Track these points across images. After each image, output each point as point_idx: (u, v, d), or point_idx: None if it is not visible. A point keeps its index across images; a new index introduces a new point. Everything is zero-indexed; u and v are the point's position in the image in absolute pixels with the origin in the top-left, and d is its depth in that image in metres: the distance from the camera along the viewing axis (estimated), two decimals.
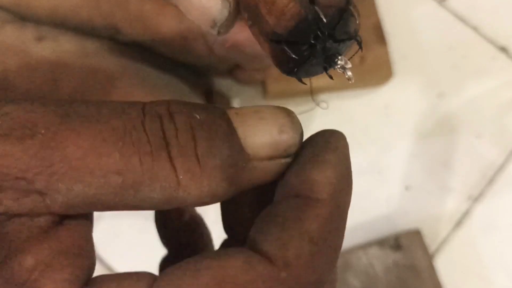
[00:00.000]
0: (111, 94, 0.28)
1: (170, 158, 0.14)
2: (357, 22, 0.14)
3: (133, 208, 0.14)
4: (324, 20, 0.13)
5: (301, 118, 0.17)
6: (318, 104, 0.15)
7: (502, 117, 0.38)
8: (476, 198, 0.37)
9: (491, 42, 0.40)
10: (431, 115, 0.38)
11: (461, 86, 0.39)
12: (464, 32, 0.40)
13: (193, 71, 0.35)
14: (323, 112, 0.38)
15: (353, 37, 0.14)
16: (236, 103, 0.38)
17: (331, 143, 0.16)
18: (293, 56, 0.14)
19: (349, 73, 0.14)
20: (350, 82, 0.15)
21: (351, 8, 0.13)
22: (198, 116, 0.14)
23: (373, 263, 0.33)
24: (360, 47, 0.15)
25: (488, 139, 0.38)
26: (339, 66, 0.14)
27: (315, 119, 0.38)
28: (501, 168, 0.37)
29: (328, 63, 0.15)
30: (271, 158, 0.15)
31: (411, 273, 0.33)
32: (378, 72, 0.37)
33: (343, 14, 0.14)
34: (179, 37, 0.29)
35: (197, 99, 0.33)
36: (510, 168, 0.37)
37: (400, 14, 0.40)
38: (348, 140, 0.41)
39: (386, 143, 0.38)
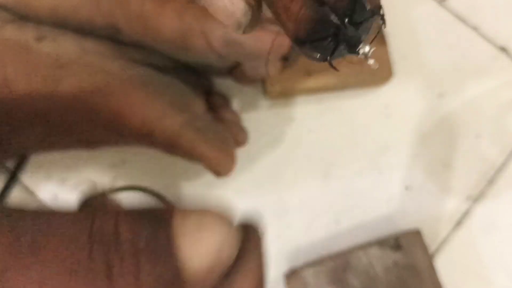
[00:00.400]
0: (111, 95, 0.28)
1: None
2: None
3: None
4: (335, 21, 0.14)
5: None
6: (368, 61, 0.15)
7: (502, 117, 0.38)
8: (476, 198, 0.37)
9: (491, 42, 0.40)
10: (431, 115, 0.38)
11: (461, 86, 0.39)
12: (464, 32, 0.40)
13: (193, 71, 0.35)
14: (323, 112, 0.38)
15: (374, 14, 0.15)
16: (236, 103, 0.38)
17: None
18: (315, 56, 0.15)
19: (371, 61, 0.15)
20: (375, 67, 0.16)
21: None
22: (143, 240, 0.15)
23: (373, 263, 0.33)
24: (384, 22, 0.15)
25: (488, 139, 0.38)
26: (361, 53, 0.15)
27: (315, 119, 0.38)
28: (501, 168, 0.37)
29: (351, 51, 0.15)
30: (209, 272, 0.16)
31: (411, 273, 0.33)
32: (378, 72, 0.37)
33: (355, 1, 0.14)
34: (179, 36, 0.29)
35: (197, 99, 0.33)
36: (510, 168, 0.37)
37: (400, 14, 0.40)
38: (348, 140, 0.41)
39: (386, 143, 0.38)
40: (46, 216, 0.15)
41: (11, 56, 0.27)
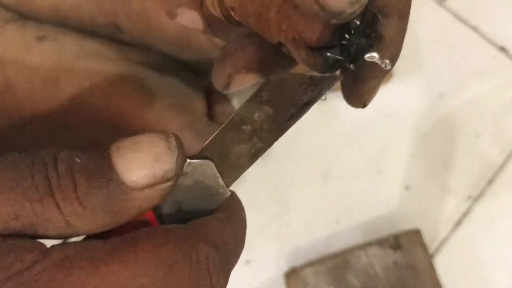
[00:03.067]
0: (111, 96, 0.28)
1: (56, 203, 0.15)
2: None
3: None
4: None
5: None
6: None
7: (502, 117, 0.38)
8: (475, 198, 0.37)
9: (491, 42, 0.40)
10: (431, 115, 0.39)
11: (461, 86, 0.39)
12: (464, 32, 0.40)
13: (193, 71, 0.35)
14: (323, 113, 0.38)
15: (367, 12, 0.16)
16: (236, 103, 0.38)
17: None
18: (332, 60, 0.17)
19: (386, 61, 0.17)
20: (387, 67, 0.18)
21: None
22: (78, 160, 0.16)
23: (373, 263, 0.33)
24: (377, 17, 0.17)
25: (487, 139, 0.38)
26: (368, 56, 0.17)
27: (315, 119, 0.38)
28: (500, 168, 0.37)
29: (362, 56, 0.17)
30: (151, 186, 0.16)
31: (411, 273, 0.33)
32: None
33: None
34: (181, 33, 0.29)
35: (198, 100, 0.33)
36: (510, 168, 0.37)
37: None
38: (348, 140, 0.41)
39: (386, 143, 0.38)
40: None
41: (12, 57, 0.27)
